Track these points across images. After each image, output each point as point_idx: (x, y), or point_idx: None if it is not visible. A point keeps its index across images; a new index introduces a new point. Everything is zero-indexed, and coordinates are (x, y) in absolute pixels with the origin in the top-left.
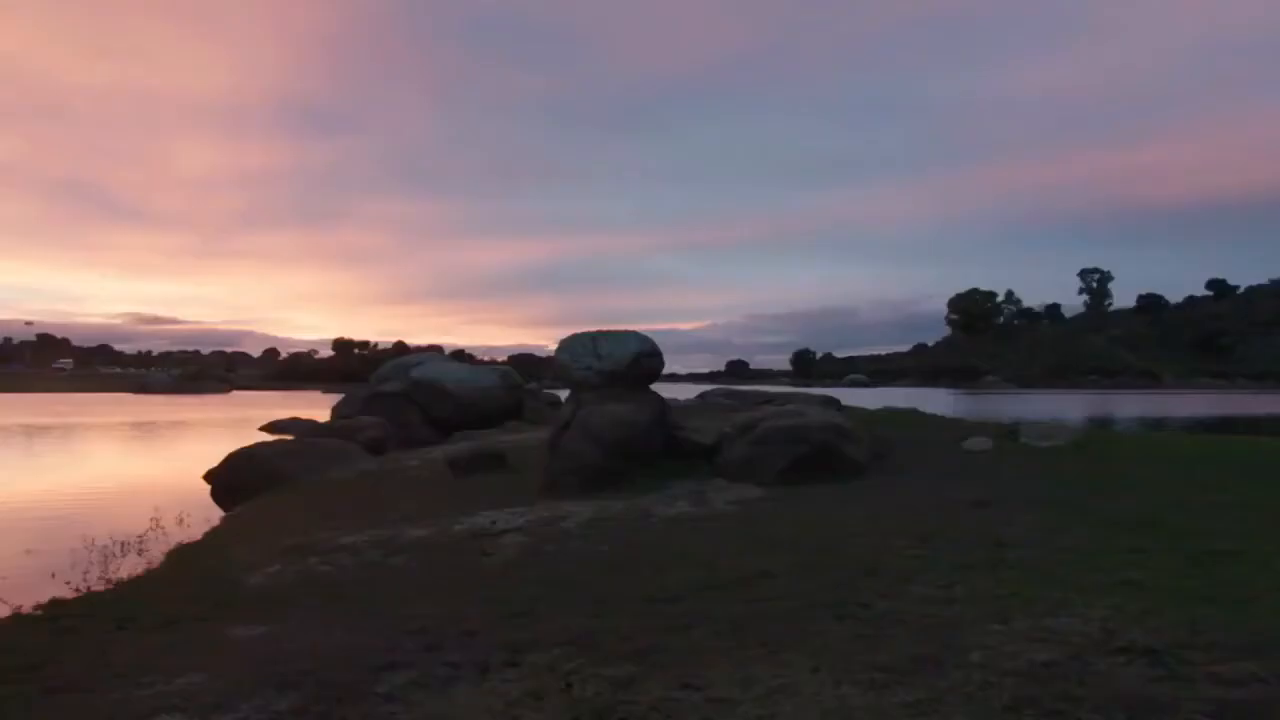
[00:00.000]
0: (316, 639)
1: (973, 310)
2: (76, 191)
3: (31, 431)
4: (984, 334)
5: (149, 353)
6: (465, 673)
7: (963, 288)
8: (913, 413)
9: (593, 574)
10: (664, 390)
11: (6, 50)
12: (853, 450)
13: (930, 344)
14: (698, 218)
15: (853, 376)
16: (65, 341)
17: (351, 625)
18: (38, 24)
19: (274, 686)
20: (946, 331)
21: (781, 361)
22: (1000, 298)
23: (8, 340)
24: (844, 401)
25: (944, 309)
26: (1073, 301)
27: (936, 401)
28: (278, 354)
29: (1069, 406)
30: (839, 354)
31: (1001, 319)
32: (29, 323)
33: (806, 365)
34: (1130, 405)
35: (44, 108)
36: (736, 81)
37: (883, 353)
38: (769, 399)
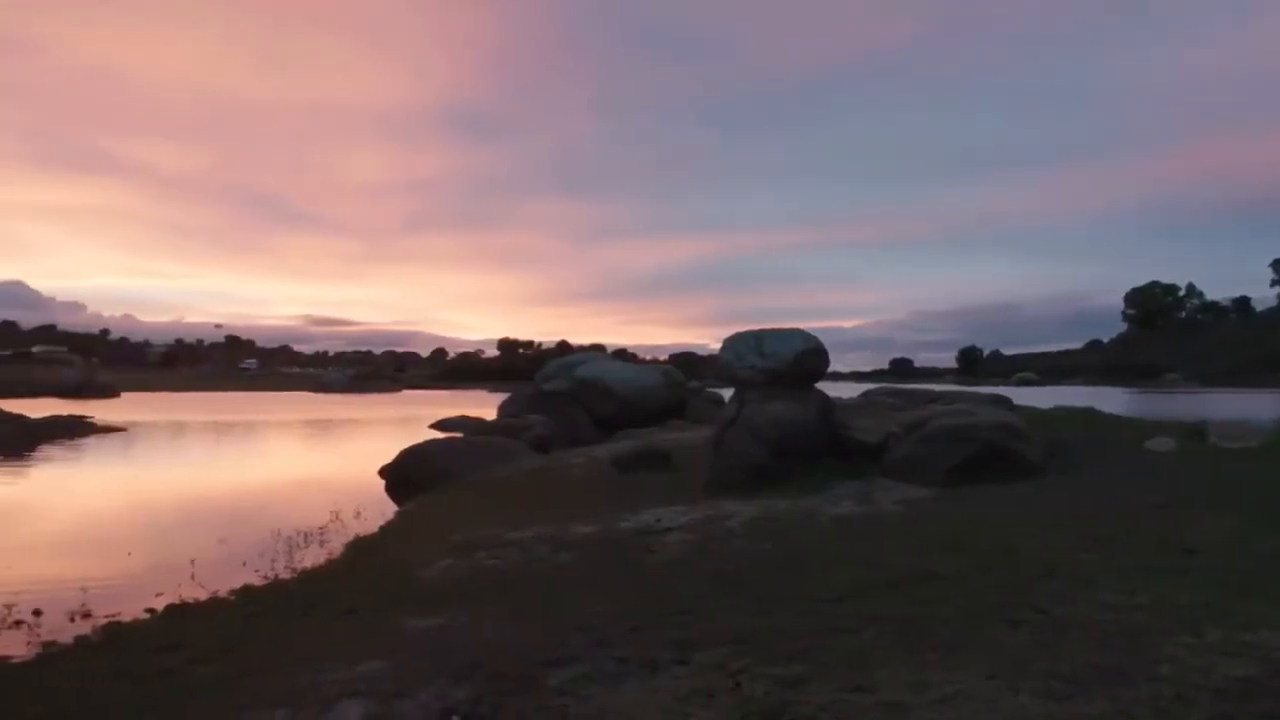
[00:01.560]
0: (488, 632)
1: (1151, 305)
2: (258, 200)
3: (222, 428)
4: (1164, 330)
5: (325, 353)
6: (634, 669)
7: (1139, 281)
8: (1088, 412)
9: (758, 573)
10: (826, 389)
11: (192, 69)
12: (1025, 450)
13: (1105, 340)
14: (857, 214)
15: (1022, 375)
16: (250, 343)
17: (520, 619)
18: (220, 43)
19: (448, 676)
20: (1122, 327)
21: (946, 360)
22: (1182, 291)
23: (200, 342)
24: (1014, 401)
25: (1119, 304)
26: (1264, 294)
27: (1113, 401)
28: (445, 354)
29: (1260, 406)
30: (1007, 351)
31: (1183, 313)
32: (218, 325)
33: (973, 363)
34: None
35: (228, 122)
36: (893, 75)
37: (1053, 350)
38: (935, 397)
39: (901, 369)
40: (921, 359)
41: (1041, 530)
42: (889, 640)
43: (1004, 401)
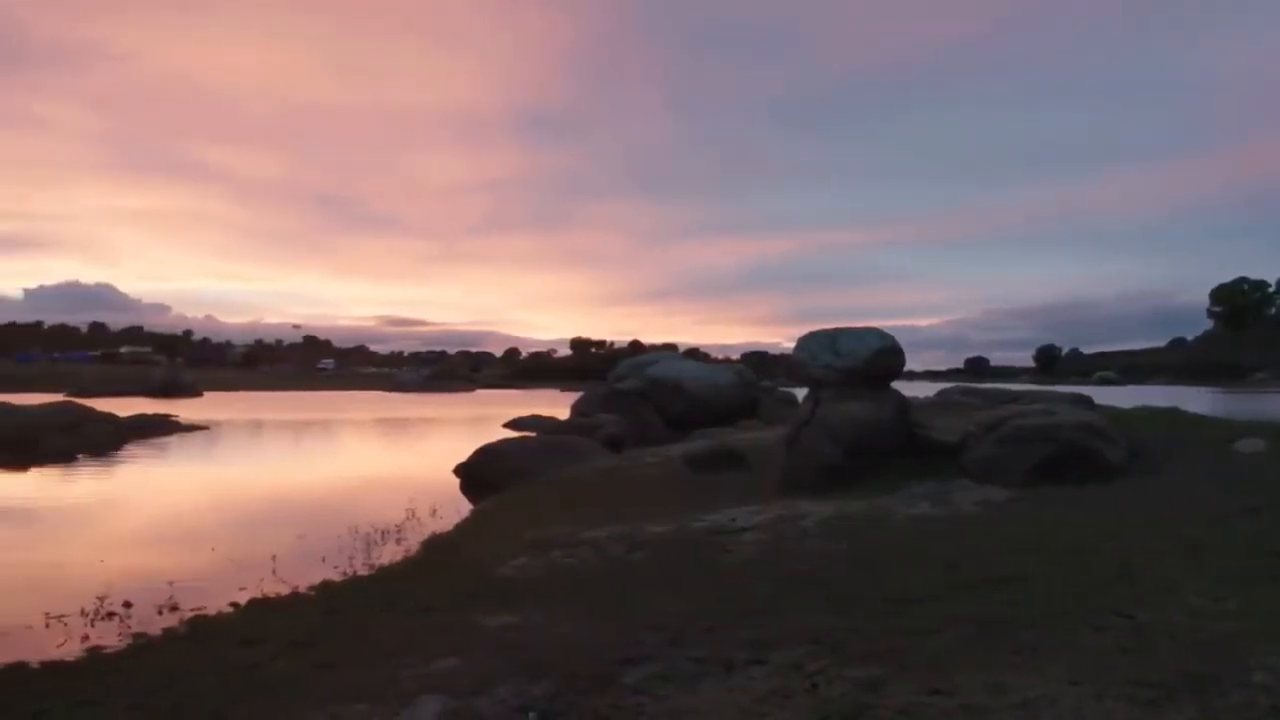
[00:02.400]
0: (563, 630)
1: (1239, 302)
2: (334, 203)
3: (300, 427)
4: (1252, 327)
5: (400, 353)
6: (710, 668)
7: (1224, 278)
8: (1173, 412)
9: (833, 573)
10: (899, 388)
11: (270, 75)
12: (1107, 450)
13: (1189, 339)
14: (930, 212)
15: (1102, 374)
16: (327, 343)
17: (595, 618)
18: (297, 50)
19: (524, 674)
20: (1207, 325)
21: (1023, 359)
22: (1271, 287)
23: (278, 342)
24: (1095, 400)
25: (1203, 301)
26: None
27: (1198, 401)
28: (518, 353)
29: None
30: (1085, 350)
31: (1274, 310)
32: (296, 326)
33: (1051, 362)
34: None
35: (305, 127)
36: (967, 70)
37: (1134, 348)
38: (1014, 397)
39: (977, 368)
40: (997, 358)
41: (1124, 533)
42: (968, 642)
43: (1085, 401)
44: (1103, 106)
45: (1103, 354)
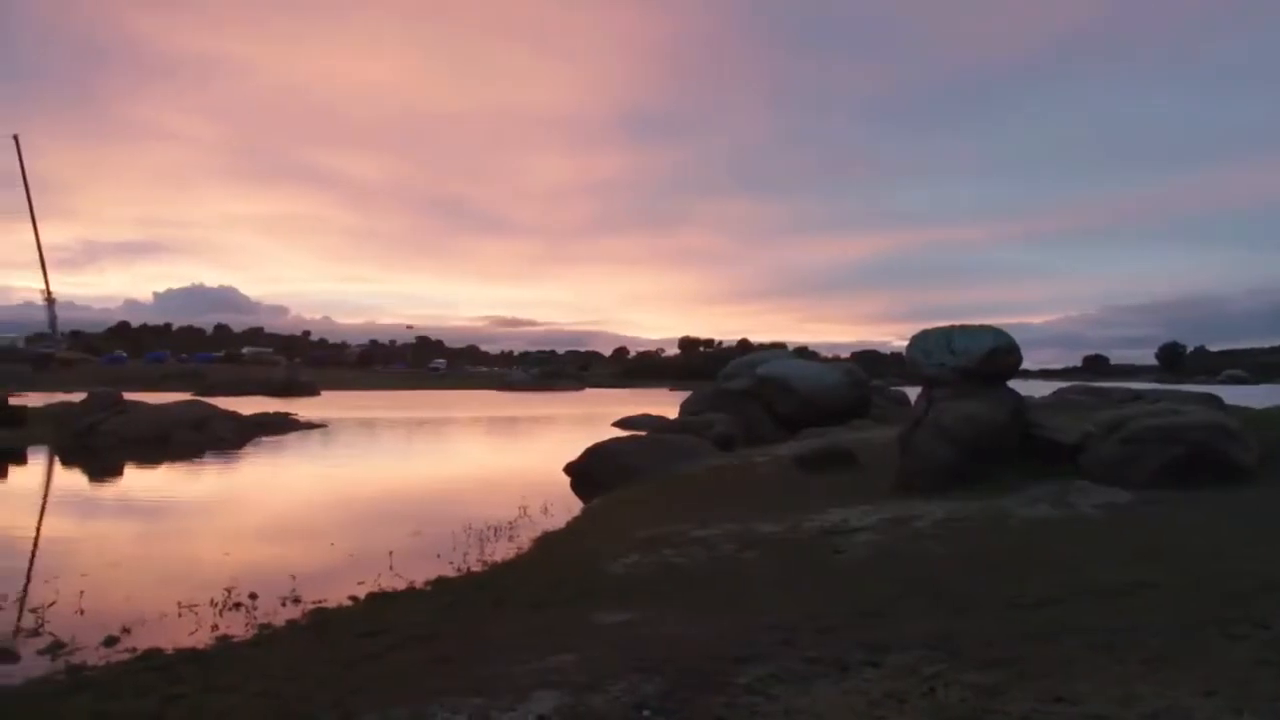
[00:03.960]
0: (675, 628)
1: None
2: (445, 206)
3: (414, 425)
4: None
5: (510, 353)
6: (824, 670)
7: None
8: None
9: (949, 575)
10: (1014, 387)
11: (382, 82)
12: (1239, 453)
13: None
14: (1041, 206)
15: (1230, 372)
16: (439, 343)
17: (707, 617)
18: (408, 57)
19: (638, 671)
20: None
21: (1144, 356)
22: None
23: (392, 342)
24: (1224, 400)
25: None
26: None
27: None
28: (627, 352)
29: None
30: (1212, 348)
31: None
32: (409, 326)
33: (1175, 360)
34: None
35: (416, 132)
36: (1080, 59)
37: (1266, 346)
38: (1137, 396)
39: (1096, 366)
40: (1116, 356)
41: (1258, 540)
42: (1091, 649)
43: (1213, 400)
44: (1232, 92)
45: (1231, 352)
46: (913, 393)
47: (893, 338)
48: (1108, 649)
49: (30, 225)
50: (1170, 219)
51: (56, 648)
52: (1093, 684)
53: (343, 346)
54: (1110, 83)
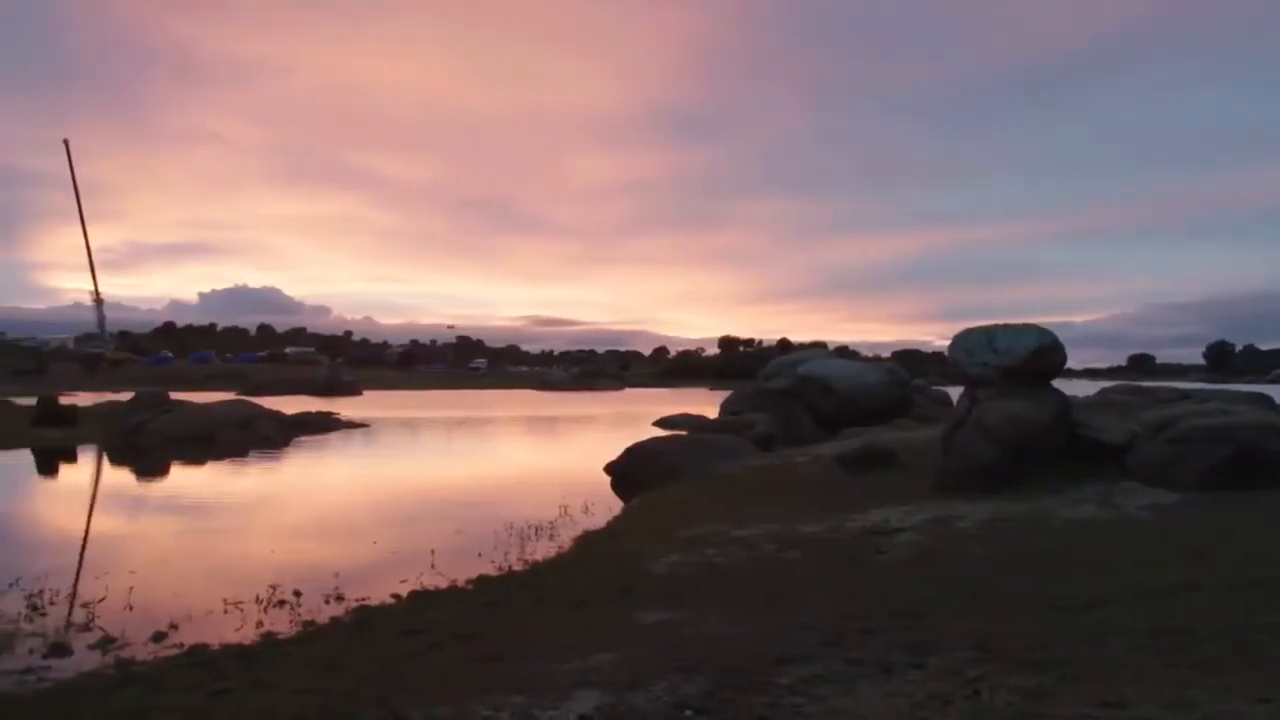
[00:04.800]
0: (716, 627)
1: None
2: (484, 206)
3: (455, 425)
4: None
5: (550, 352)
6: (867, 671)
7: None
8: None
9: (993, 577)
10: (1058, 387)
11: (422, 83)
12: None
13: None
14: (1085, 203)
15: None
16: (480, 343)
17: (748, 616)
18: (446, 58)
19: (679, 670)
20: None
21: (1191, 355)
22: None
23: (433, 342)
24: (1276, 400)
25: None
26: None
27: None
28: (666, 352)
29: None
30: (1263, 346)
31: None
32: (450, 326)
33: (1224, 359)
34: None
35: (456, 132)
36: (1128, 54)
37: None
38: (1184, 396)
39: (1142, 365)
40: (1162, 355)
41: None
42: (1140, 652)
43: (1264, 400)
44: (1276, 87)
45: None
46: (955, 392)
47: (934, 337)
48: (1156, 652)
49: (80, 228)
50: (1217, 215)
51: (107, 643)
52: (1142, 688)
53: (384, 346)
54: (1155, 79)
